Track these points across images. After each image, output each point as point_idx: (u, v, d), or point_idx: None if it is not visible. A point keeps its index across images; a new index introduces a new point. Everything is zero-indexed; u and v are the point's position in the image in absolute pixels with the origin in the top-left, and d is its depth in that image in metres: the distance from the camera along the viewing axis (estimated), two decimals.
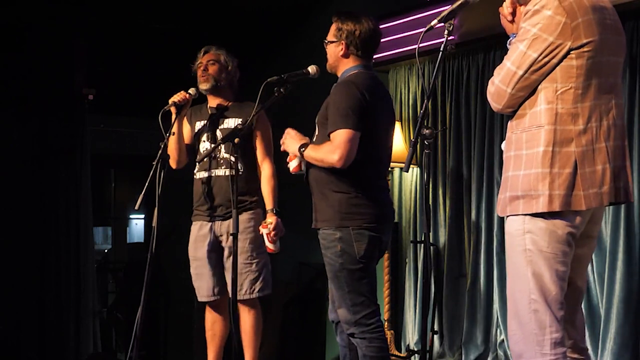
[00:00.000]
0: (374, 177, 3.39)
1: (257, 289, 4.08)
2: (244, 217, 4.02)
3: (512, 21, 2.65)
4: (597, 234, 2.66)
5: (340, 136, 3.21)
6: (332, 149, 3.23)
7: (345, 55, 3.40)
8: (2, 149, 5.27)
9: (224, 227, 4.09)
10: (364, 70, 3.40)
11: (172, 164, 4.10)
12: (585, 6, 2.44)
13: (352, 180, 3.29)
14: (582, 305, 2.75)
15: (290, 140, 3.39)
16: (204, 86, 4.13)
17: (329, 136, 3.28)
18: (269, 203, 4.06)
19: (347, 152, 3.20)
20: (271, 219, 3.94)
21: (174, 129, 3.97)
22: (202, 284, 4.18)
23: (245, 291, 4.05)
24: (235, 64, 4.22)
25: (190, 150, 4.21)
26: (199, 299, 4.24)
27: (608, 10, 2.52)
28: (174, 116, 3.95)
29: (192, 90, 4.04)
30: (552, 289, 2.43)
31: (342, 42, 3.38)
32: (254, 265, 4.07)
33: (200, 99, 4.20)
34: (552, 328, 2.43)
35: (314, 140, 3.42)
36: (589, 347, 3.55)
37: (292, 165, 3.43)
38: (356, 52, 3.39)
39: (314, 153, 3.31)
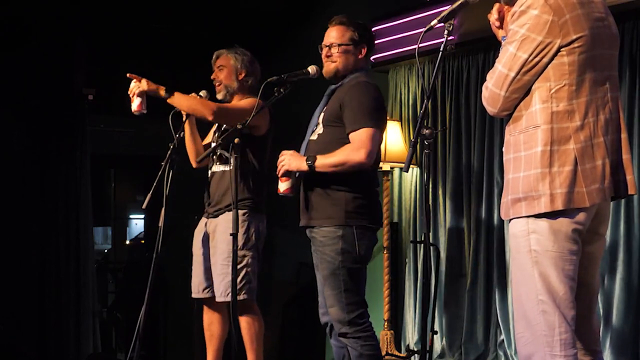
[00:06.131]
0: (374, 177, 3.41)
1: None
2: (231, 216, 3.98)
3: (500, 27, 2.65)
4: (605, 231, 2.63)
5: (366, 133, 3.23)
6: (357, 147, 3.23)
7: (365, 59, 3.47)
8: (2, 148, 5.27)
9: (212, 225, 4.09)
10: (368, 73, 3.49)
11: (192, 162, 4.20)
12: (572, 2, 2.42)
13: (356, 179, 3.30)
14: None
15: (292, 158, 3.34)
16: (218, 96, 4.14)
17: (347, 135, 3.28)
18: None
19: (373, 149, 3.23)
20: None
21: (186, 130, 4.01)
22: (194, 280, 4.20)
23: (221, 293, 3.97)
24: (247, 61, 4.14)
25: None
26: (192, 295, 4.24)
27: (596, 3, 2.50)
28: (184, 117, 3.97)
29: (203, 93, 4.05)
30: (560, 289, 2.40)
31: (364, 46, 3.44)
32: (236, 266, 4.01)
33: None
34: (561, 328, 2.39)
35: (314, 138, 3.42)
36: None
37: (284, 186, 3.37)
38: (369, 56, 3.51)
39: (331, 159, 3.26)
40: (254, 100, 3.89)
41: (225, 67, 4.14)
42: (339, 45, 3.43)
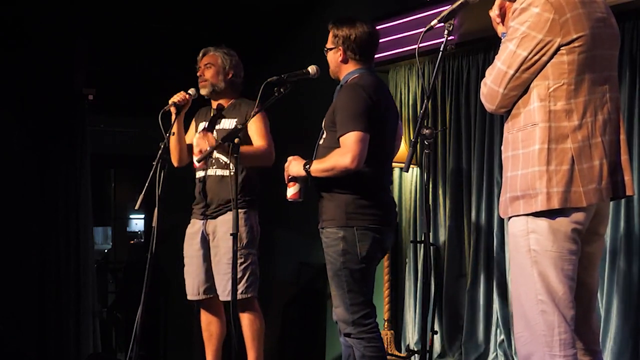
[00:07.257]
0: (380, 177, 3.40)
1: (239, 290, 3.94)
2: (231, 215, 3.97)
3: (502, 22, 2.65)
4: (605, 231, 2.63)
5: (351, 138, 3.22)
6: (343, 152, 3.23)
7: (344, 61, 3.44)
8: (2, 148, 5.27)
9: (211, 226, 4.09)
10: (366, 72, 3.43)
11: (174, 162, 4.17)
12: (574, 1, 2.42)
13: (359, 181, 3.30)
14: None
15: (294, 163, 3.39)
16: (202, 92, 4.15)
17: (338, 140, 3.28)
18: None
19: (359, 153, 3.21)
20: None
21: (174, 129, 3.99)
22: (190, 282, 4.19)
23: (228, 293, 3.93)
24: (234, 61, 4.19)
25: (192, 150, 4.23)
26: (188, 297, 4.23)
27: (598, 3, 2.50)
28: (173, 116, 3.96)
29: (191, 91, 4.05)
30: (559, 289, 2.39)
31: (340, 48, 3.42)
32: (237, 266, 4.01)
33: (207, 100, 4.23)
34: (561, 328, 2.39)
35: (320, 143, 3.43)
36: None
37: (291, 192, 3.41)
38: (354, 56, 3.43)
39: (322, 164, 3.30)
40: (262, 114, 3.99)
41: (213, 66, 4.15)
42: (326, 50, 3.50)
